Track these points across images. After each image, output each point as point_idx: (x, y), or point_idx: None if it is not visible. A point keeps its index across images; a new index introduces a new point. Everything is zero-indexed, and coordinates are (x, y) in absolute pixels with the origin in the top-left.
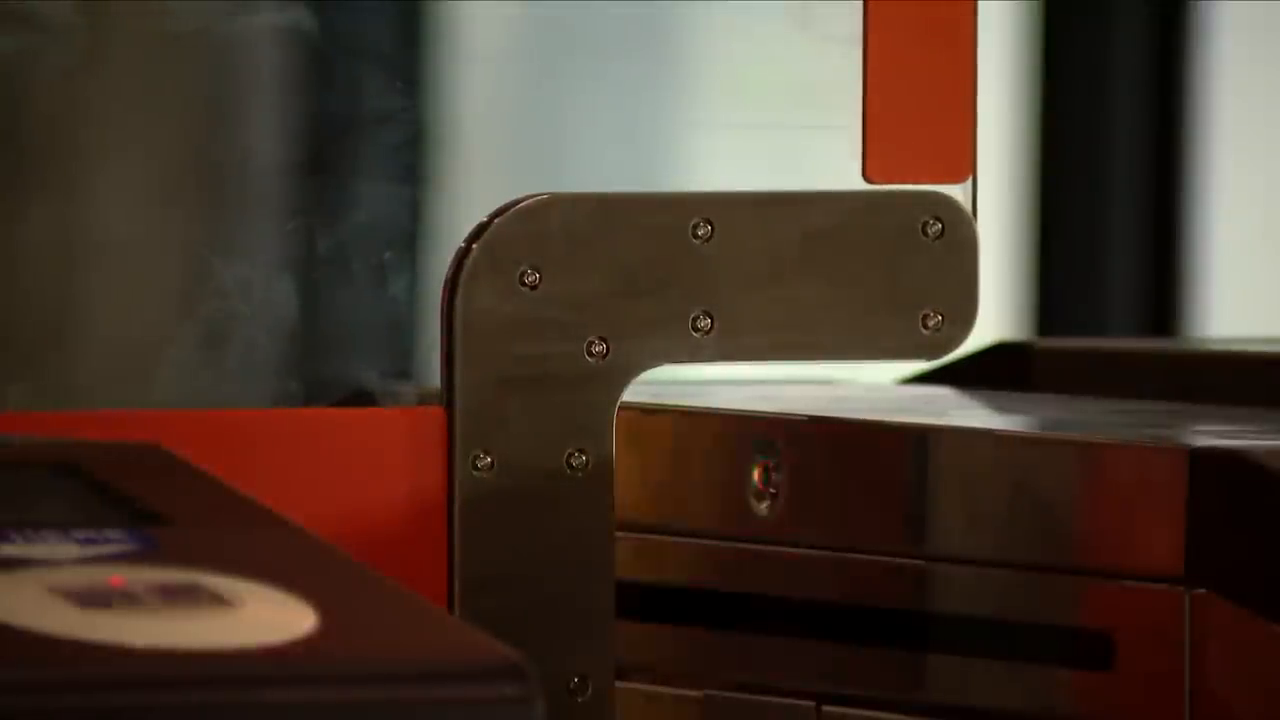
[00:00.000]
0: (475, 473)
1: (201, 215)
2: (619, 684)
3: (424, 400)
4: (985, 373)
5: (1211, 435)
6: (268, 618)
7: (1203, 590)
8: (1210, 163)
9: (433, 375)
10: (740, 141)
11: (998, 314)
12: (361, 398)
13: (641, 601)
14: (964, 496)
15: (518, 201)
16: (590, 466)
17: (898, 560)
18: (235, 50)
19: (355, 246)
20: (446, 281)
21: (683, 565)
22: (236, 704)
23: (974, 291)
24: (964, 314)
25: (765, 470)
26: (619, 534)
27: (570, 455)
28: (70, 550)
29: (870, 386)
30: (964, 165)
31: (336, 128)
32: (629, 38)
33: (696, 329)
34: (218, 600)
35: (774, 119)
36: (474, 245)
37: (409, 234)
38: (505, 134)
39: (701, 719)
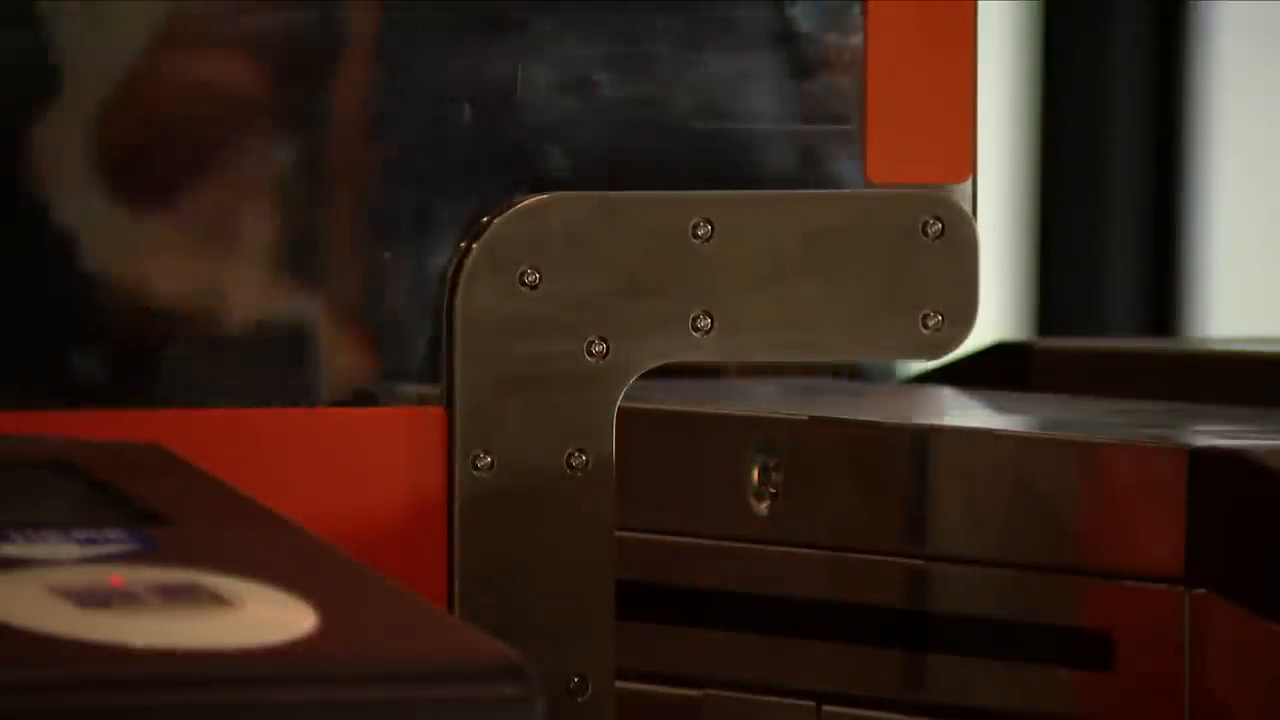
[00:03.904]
0: (475, 473)
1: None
2: (619, 684)
3: (424, 400)
4: (985, 373)
5: (1211, 435)
6: (268, 618)
7: (1203, 590)
8: (1210, 163)
9: (433, 375)
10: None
11: (998, 314)
12: (361, 398)
13: (641, 601)
14: (964, 496)
15: (518, 201)
16: (590, 466)
17: (898, 560)
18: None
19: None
20: (446, 281)
21: (683, 565)
22: (236, 704)
23: (974, 291)
24: (964, 314)
25: (765, 470)
26: (619, 534)
27: (570, 455)
28: (70, 550)
29: (870, 386)
30: (964, 165)
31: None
32: None
33: (696, 329)
34: (218, 600)
35: None
36: (474, 245)
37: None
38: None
39: (701, 719)
